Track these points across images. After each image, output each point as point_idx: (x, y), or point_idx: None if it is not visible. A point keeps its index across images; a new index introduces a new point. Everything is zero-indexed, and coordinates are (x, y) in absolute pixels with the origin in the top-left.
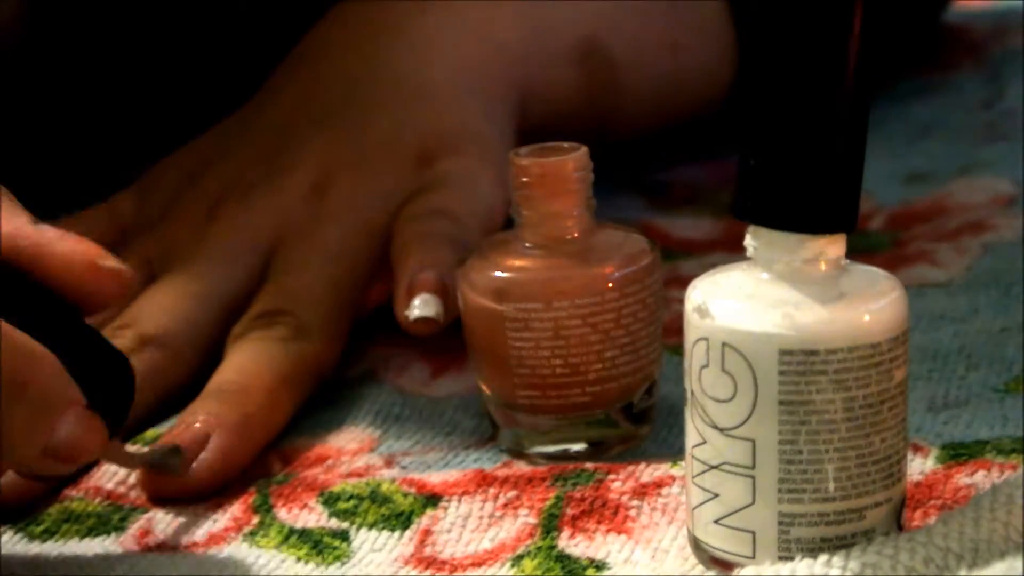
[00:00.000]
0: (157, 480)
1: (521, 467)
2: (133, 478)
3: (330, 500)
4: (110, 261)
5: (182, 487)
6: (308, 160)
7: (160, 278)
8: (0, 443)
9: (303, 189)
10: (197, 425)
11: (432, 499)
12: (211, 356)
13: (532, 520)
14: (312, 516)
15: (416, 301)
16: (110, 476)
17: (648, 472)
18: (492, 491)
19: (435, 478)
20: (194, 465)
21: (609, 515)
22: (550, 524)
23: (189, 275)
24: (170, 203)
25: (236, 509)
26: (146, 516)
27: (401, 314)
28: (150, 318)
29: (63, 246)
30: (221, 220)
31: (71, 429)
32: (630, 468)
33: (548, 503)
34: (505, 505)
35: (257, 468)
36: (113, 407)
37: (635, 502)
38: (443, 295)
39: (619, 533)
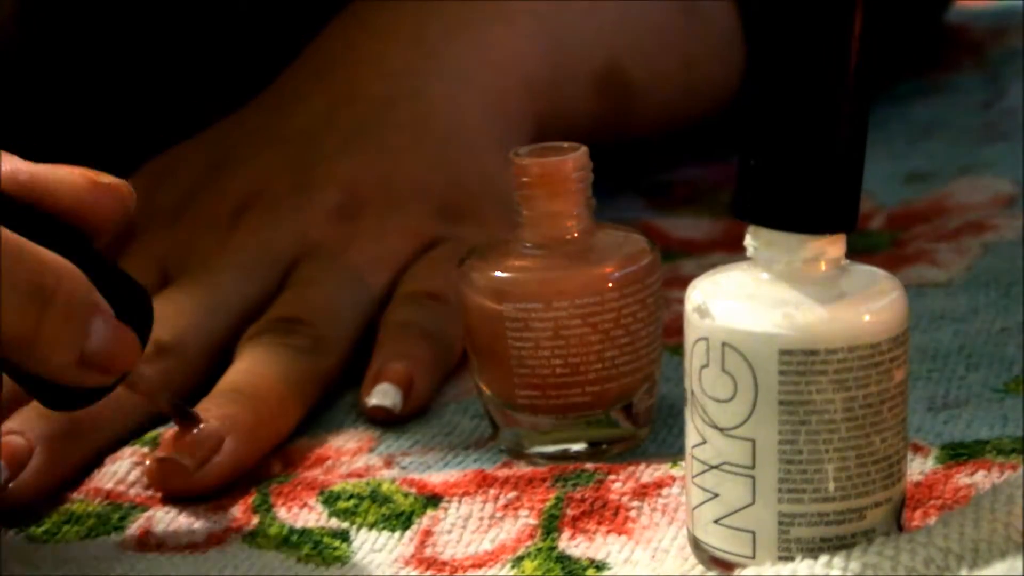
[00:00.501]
0: (165, 477)
1: (521, 467)
2: (133, 475)
3: (330, 499)
4: (107, 177)
5: (190, 485)
6: (336, 180)
7: (178, 282)
8: (36, 352)
9: (329, 208)
10: (209, 424)
11: (432, 499)
12: (221, 361)
13: (532, 521)
14: (312, 516)
15: (376, 389)
16: (110, 476)
17: (648, 472)
18: (492, 492)
19: (435, 478)
20: (206, 467)
21: (609, 516)
22: (550, 525)
23: (208, 284)
24: (186, 199)
25: (236, 509)
26: (146, 515)
27: (362, 399)
28: (167, 325)
29: (60, 171)
30: (243, 230)
31: (104, 335)
32: (630, 468)
33: (548, 504)
34: (505, 506)
35: (257, 469)
36: (135, 327)
37: (635, 503)
38: (406, 387)
39: (619, 534)
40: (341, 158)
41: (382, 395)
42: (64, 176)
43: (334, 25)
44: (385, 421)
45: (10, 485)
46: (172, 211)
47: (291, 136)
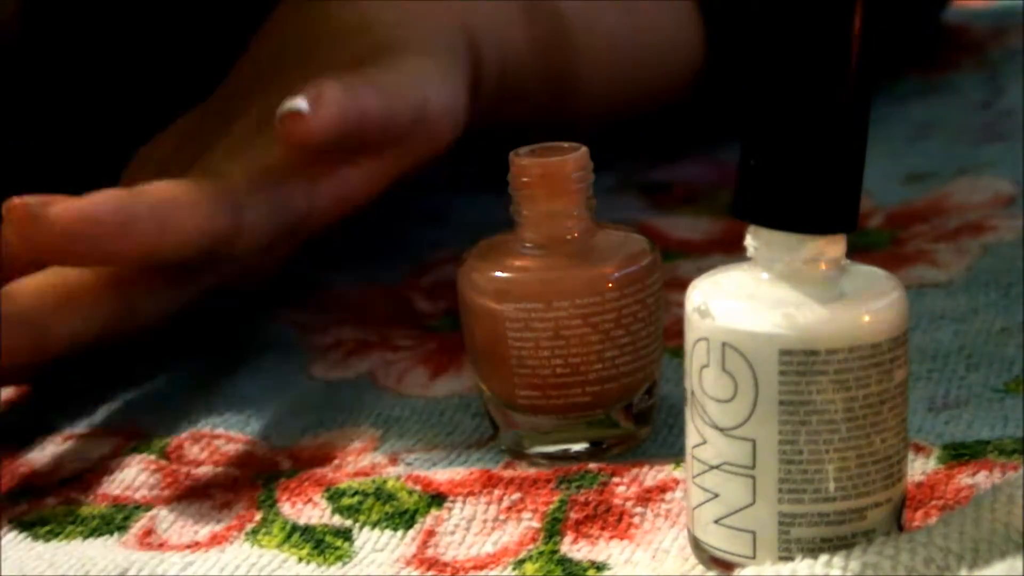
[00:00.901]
0: (17, 224)
1: (525, 468)
2: (140, 480)
3: (335, 496)
4: None
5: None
6: (257, 103)
7: None
8: None
9: (251, 123)
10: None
11: (437, 499)
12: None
13: (535, 524)
14: (316, 511)
15: (287, 101)
16: (118, 483)
17: (652, 475)
18: (497, 493)
19: (441, 476)
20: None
21: (613, 521)
22: (553, 529)
23: None
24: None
25: (241, 506)
26: (149, 514)
27: (275, 114)
28: None
29: None
30: (201, 169)
31: None
32: (634, 471)
33: (552, 507)
34: (509, 508)
35: (265, 466)
36: None
37: (639, 508)
38: (313, 94)
39: (622, 539)
40: (262, 91)
41: (290, 102)
42: None
43: (264, 27)
44: (302, 134)
45: None
46: None
47: (227, 113)
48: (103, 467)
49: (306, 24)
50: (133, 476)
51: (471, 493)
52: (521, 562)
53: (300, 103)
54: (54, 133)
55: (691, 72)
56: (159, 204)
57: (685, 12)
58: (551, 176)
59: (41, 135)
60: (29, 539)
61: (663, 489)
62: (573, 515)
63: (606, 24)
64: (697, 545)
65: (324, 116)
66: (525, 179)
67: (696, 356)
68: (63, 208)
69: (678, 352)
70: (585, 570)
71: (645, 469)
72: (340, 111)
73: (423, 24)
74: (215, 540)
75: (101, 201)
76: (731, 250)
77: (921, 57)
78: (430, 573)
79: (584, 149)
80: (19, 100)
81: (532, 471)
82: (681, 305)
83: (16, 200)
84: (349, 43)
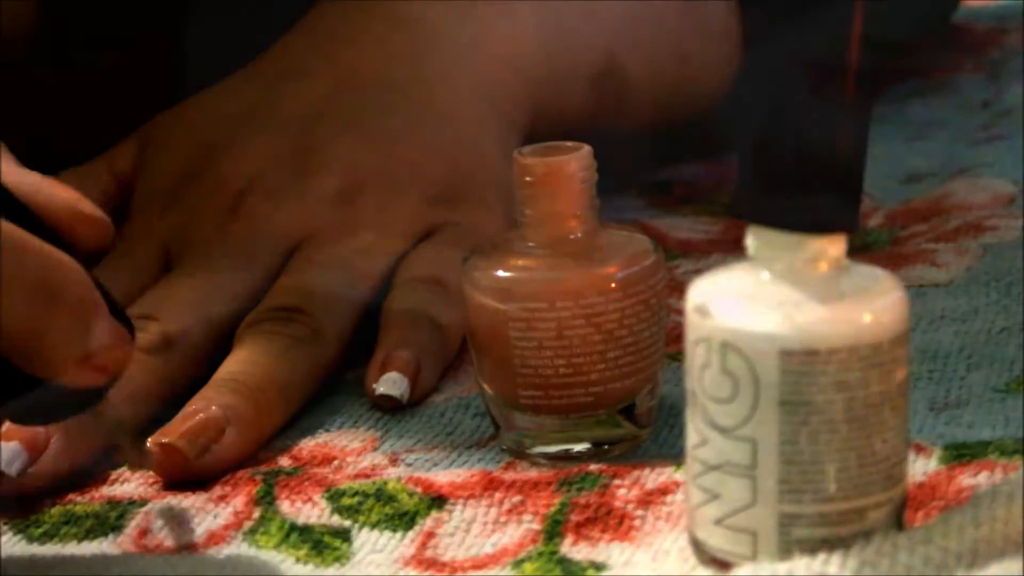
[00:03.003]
0: (165, 462)
1: (526, 469)
2: (135, 477)
3: (335, 496)
4: (89, 207)
5: (189, 472)
6: (335, 164)
7: (181, 271)
8: (40, 350)
9: (330, 194)
10: (212, 411)
11: (438, 501)
12: (223, 349)
13: (536, 526)
14: (315, 511)
15: (384, 378)
16: (119, 491)
17: (653, 478)
18: (498, 495)
19: (441, 478)
20: (206, 455)
21: (614, 524)
22: (553, 530)
23: (212, 273)
24: (185, 180)
25: (238, 502)
26: (143, 510)
27: (369, 386)
28: (174, 316)
29: (49, 185)
30: (244, 218)
31: (105, 334)
32: (635, 473)
33: (553, 509)
34: (510, 510)
35: (264, 464)
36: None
37: (640, 511)
38: (413, 376)
39: (623, 541)
40: (340, 142)
41: (390, 384)
42: (55, 192)
43: (338, 8)
44: (390, 409)
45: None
46: (170, 191)
47: (291, 118)
48: (102, 473)
49: (395, 67)
50: (133, 487)
51: (472, 495)
52: (520, 562)
53: (398, 390)
54: (65, 129)
55: (726, 88)
56: (279, 418)
57: (732, 44)
58: (554, 175)
59: (52, 131)
60: (24, 541)
61: (664, 492)
62: (574, 517)
63: (662, 78)
64: (698, 546)
65: (416, 396)
66: (528, 178)
67: (696, 356)
68: (214, 461)
69: (676, 356)
70: (584, 570)
71: (646, 471)
72: (432, 385)
73: (497, 124)
74: (212, 540)
75: (244, 446)
76: (731, 250)
77: (926, 58)
78: (428, 573)
79: (587, 148)
80: (33, 95)
81: (533, 473)
82: (679, 312)
83: (164, 440)
84: (436, 133)
